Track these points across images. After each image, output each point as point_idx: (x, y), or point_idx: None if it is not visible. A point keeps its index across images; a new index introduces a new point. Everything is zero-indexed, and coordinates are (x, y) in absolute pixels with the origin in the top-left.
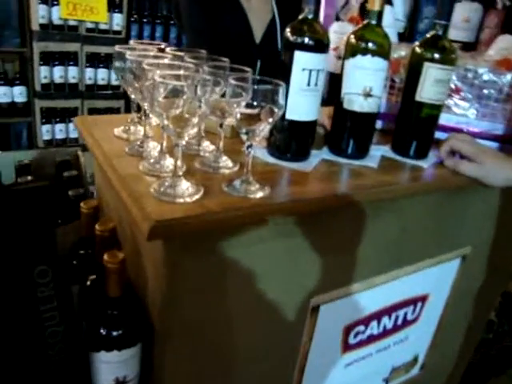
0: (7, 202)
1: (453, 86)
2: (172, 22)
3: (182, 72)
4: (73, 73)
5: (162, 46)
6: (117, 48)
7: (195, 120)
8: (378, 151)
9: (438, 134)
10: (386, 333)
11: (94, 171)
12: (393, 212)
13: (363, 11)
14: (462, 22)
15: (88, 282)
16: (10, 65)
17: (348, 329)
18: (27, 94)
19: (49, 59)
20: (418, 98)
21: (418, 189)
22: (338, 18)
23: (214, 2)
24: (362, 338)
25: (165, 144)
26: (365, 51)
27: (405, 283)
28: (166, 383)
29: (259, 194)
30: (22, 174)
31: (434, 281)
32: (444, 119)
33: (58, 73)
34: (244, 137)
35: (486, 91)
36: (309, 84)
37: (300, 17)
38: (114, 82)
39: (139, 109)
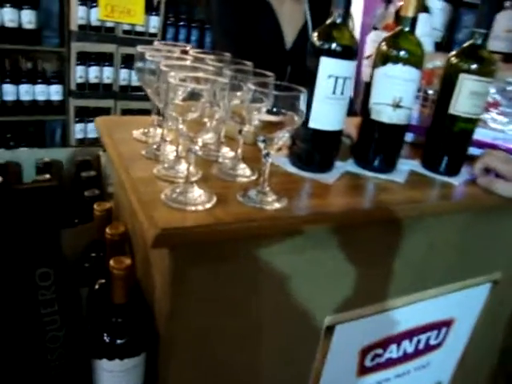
0: (9, 202)
1: (490, 100)
2: (207, 26)
3: (199, 74)
4: (107, 73)
5: (187, 48)
6: (139, 48)
7: (211, 125)
8: (407, 165)
9: (473, 150)
10: (406, 357)
11: (111, 173)
12: (420, 230)
13: (398, 18)
14: (504, 31)
15: (96, 286)
16: (49, 64)
17: (365, 351)
18: (63, 92)
19: (85, 59)
20: (451, 110)
21: (447, 207)
22: (375, 27)
23: (245, 4)
24: (380, 361)
25: (181, 148)
26: (396, 59)
27: (429, 306)
28: None
29: (275, 206)
30: (42, 172)
31: (461, 305)
32: (479, 134)
33: (94, 73)
34: (261, 145)
35: None
36: (334, 92)
37: (328, 21)
38: None
39: (160, 111)
